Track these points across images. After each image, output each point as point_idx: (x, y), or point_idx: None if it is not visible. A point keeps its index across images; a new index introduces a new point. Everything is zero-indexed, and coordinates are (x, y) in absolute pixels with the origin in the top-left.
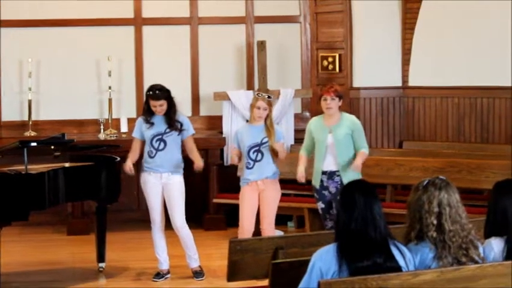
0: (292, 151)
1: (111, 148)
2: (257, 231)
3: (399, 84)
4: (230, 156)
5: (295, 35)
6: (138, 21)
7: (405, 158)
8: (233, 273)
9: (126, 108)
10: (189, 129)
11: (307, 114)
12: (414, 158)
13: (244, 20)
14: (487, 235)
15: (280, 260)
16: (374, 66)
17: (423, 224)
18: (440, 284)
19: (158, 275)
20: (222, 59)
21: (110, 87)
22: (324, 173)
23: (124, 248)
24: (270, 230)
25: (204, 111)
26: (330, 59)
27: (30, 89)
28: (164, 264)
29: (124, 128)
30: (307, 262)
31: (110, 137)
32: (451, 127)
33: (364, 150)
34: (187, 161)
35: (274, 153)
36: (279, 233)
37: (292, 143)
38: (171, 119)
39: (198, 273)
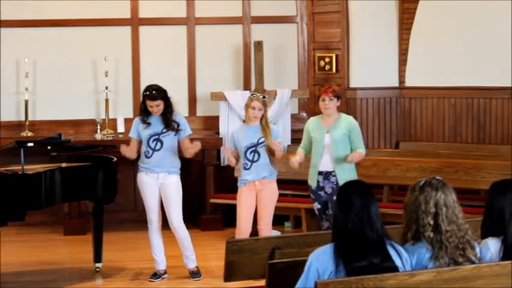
0: (289, 151)
1: (108, 148)
2: (254, 232)
3: (396, 84)
4: (226, 157)
5: (292, 36)
6: (135, 22)
7: (402, 158)
8: (230, 274)
9: (123, 109)
10: (186, 129)
11: (304, 114)
12: (411, 159)
13: (241, 20)
14: (484, 235)
15: (277, 260)
16: (370, 66)
17: (420, 225)
18: (436, 284)
19: (155, 275)
20: (218, 60)
21: (107, 88)
22: (320, 173)
23: (121, 248)
24: (267, 230)
25: (200, 112)
26: (327, 59)
27: (26, 89)
28: (161, 265)
29: (120, 128)
30: (304, 262)
31: (107, 137)
32: (447, 127)
33: (361, 151)
34: (184, 161)
35: (271, 152)
36: (276, 233)
37: (289, 143)
38: (168, 119)
39: (194, 274)
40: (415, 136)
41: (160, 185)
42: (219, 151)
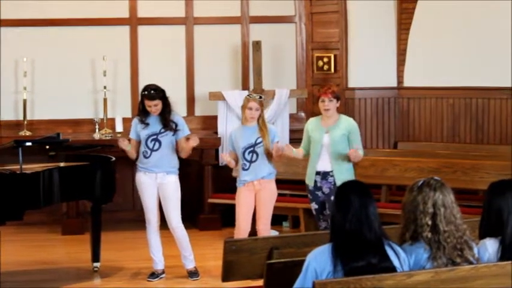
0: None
1: (106, 148)
2: (253, 232)
3: (395, 84)
4: (223, 159)
5: (290, 35)
6: (133, 21)
7: (400, 158)
8: (228, 273)
9: (121, 108)
10: (184, 129)
11: (303, 114)
12: (409, 159)
13: (239, 20)
14: (482, 236)
15: (275, 260)
16: (369, 66)
17: (418, 225)
18: (434, 284)
19: (153, 274)
20: (217, 59)
21: (105, 87)
22: (318, 173)
23: (119, 247)
24: (265, 230)
25: (199, 111)
26: (325, 59)
27: (25, 88)
28: (159, 264)
29: (119, 127)
30: (302, 262)
31: (105, 136)
32: (445, 127)
33: (360, 152)
34: (182, 161)
35: (269, 154)
36: (274, 233)
37: (288, 143)
38: (166, 119)
39: (193, 274)
40: (413, 136)
41: (159, 185)
42: (217, 151)
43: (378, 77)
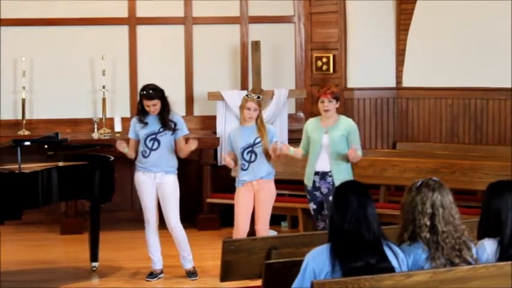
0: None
1: (105, 147)
2: (251, 232)
3: (393, 85)
4: (224, 160)
5: (289, 35)
6: (132, 21)
7: (399, 158)
8: (226, 273)
9: (120, 108)
10: (183, 129)
11: (301, 114)
12: (408, 159)
13: (238, 20)
14: (480, 236)
15: (274, 260)
16: (368, 66)
17: (417, 225)
18: (432, 284)
19: (152, 274)
20: (216, 59)
21: (104, 87)
22: (316, 173)
23: (118, 247)
24: (264, 230)
25: (197, 111)
26: (324, 60)
27: (24, 87)
28: (158, 264)
29: (117, 127)
30: (300, 262)
31: (104, 136)
32: (444, 128)
33: (359, 153)
34: (181, 161)
35: (267, 154)
36: (272, 233)
37: (286, 143)
38: (165, 119)
39: (191, 274)
40: (412, 137)
41: (157, 185)
42: (216, 151)
43: (377, 77)
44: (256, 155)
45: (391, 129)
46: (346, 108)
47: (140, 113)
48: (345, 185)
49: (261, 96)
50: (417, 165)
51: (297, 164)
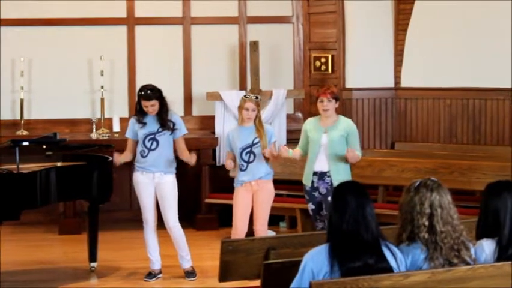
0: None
1: (103, 147)
2: (250, 232)
3: (392, 85)
4: (229, 168)
5: (288, 36)
6: (131, 21)
7: (397, 159)
8: (225, 274)
9: (118, 108)
10: (182, 128)
11: (300, 114)
12: (406, 159)
13: (237, 20)
14: (479, 236)
15: (272, 260)
16: (366, 67)
17: (415, 225)
18: (431, 285)
19: (150, 274)
20: (214, 59)
21: (102, 87)
22: (315, 173)
23: (116, 247)
24: (263, 230)
25: (196, 111)
26: (322, 60)
27: (22, 88)
28: (156, 264)
29: (116, 127)
30: (299, 263)
31: (103, 136)
32: (442, 128)
33: (357, 153)
34: (180, 161)
35: (265, 157)
36: (271, 233)
37: (285, 143)
38: (163, 119)
39: (190, 274)
40: (410, 137)
41: (156, 185)
42: (214, 151)
43: (375, 77)
44: (254, 155)
45: (389, 129)
46: (344, 109)
47: (139, 113)
48: (344, 185)
49: (259, 97)
50: (415, 166)
51: (296, 165)
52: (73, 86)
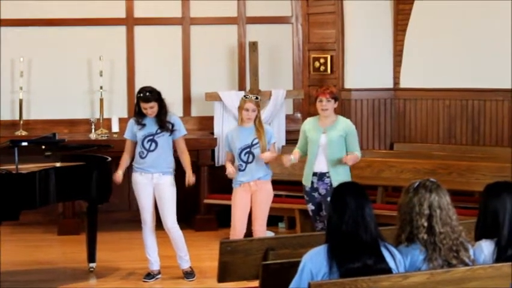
0: (283, 152)
1: (102, 148)
2: (249, 232)
3: (391, 85)
4: (230, 173)
5: (287, 36)
6: (130, 21)
7: (396, 159)
8: (223, 274)
9: (117, 108)
10: (181, 129)
11: (299, 115)
12: (405, 160)
13: (236, 21)
14: (478, 237)
15: (271, 261)
16: (365, 67)
17: (414, 226)
18: (430, 285)
19: (149, 275)
20: (213, 60)
21: (101, 87)
22: (314, 174)
23: (115, 248)
24: (261, 231)
25: (195, 112)
26: (321, 60)
27: (21, 88)
28: (155, 265)
29: (115, 128)
30: (297, 263)
31: (102, 136)
32: (442, 129)
33: (357, 154)
34: (179, 162)
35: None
36: (269, 234)
37: (284, 144)
38: (162, 120)
39: (188, 274)
40: (409, 137)
41: (155, 186)
42: (213, 151)
43: (374, 78)
44: (253, 156)
45: (388, 130)
46: (343, 109)
47: (138, 115)
48: (343, 186)
49: (259, 97)
50: (414, 166)
51: (295, 165)
52: (72, 86)
